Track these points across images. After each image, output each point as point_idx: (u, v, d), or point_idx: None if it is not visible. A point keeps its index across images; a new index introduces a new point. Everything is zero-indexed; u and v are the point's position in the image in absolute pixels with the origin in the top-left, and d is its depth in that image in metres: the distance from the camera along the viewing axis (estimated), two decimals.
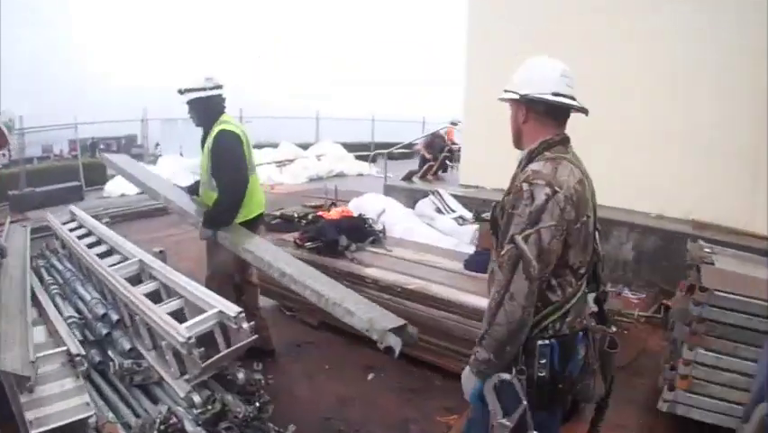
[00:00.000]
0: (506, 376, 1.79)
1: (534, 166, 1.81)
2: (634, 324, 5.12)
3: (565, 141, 1.94)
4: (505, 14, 7.82)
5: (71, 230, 4.53)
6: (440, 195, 7.25)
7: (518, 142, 2.01)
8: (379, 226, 5.11)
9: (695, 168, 6.33)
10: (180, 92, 3.69)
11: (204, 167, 3.82)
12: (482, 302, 2.59)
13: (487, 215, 2.61)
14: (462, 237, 6.43)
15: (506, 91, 1.97)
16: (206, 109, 3.79)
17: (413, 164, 11.39)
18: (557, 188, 1.71)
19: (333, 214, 5.14)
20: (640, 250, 6.25)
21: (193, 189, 4.23)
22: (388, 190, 8.30)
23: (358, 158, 16.64)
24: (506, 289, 1.70)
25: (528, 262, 1.65)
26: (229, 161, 3.64)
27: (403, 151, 14.01)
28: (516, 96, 1.90)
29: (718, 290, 2.97)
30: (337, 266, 4.36)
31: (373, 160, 16.71)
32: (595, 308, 2.05)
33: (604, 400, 2.08)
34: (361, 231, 4.88)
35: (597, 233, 1.96)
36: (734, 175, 6.20)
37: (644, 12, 6.57)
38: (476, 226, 6.50)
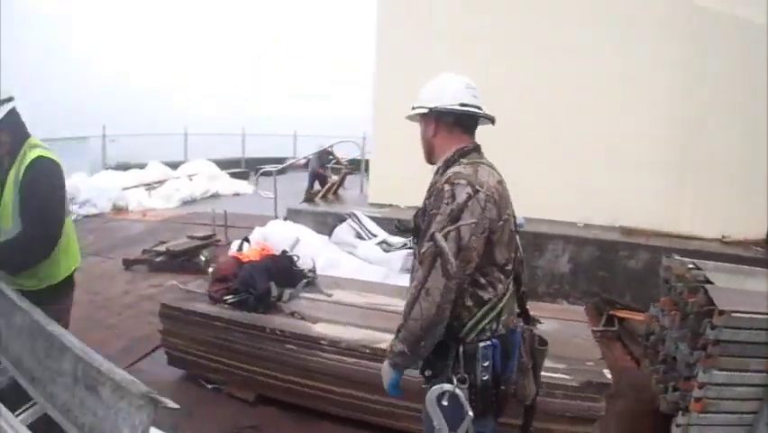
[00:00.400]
0: (448, 387, 1.81)
1: (454, 168, 1.86)
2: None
3: (478, 148, 2.02)
4: (417, 14, 7.29)
5: None
6: (357, 218, 6.31)
7: (430, 157, 2.09)
8: (307, 264, 4.18)
9: (617, 175, 6.50)
10: None
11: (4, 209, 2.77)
12: None
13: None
14: (392, 265, 5.62)
15: (414, 108, 2.05)
16: (12, 133, 2.78)
17: (291, 181, 10.37)
18: (478, 187, 1.78)
19: (252, 253, 4.09)
20: (576, 262, 6.15)
21: None
22: (291, 214, 7.20)
23: (232, 176, 15.43)
24: (422, 285, 1.72)
25: (446, 259, 1.69)
26: (47, 198, 2.70)
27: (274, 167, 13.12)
28: (425, 110, 1.99)
29: (736, 312, 2.96)
30: (275, 325, 3.36)
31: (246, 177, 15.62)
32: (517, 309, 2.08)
33: (533, 400, 2.06)
34: (289, 273, 3.90)
35: (517, 236, 2.02)
36: (653, 180, 6.47)
37: (566, 24, 6.61)
38: (405, 252, 5.78)
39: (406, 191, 7.02)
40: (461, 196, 1.75)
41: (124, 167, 13.83)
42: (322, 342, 3.27)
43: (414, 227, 2.00)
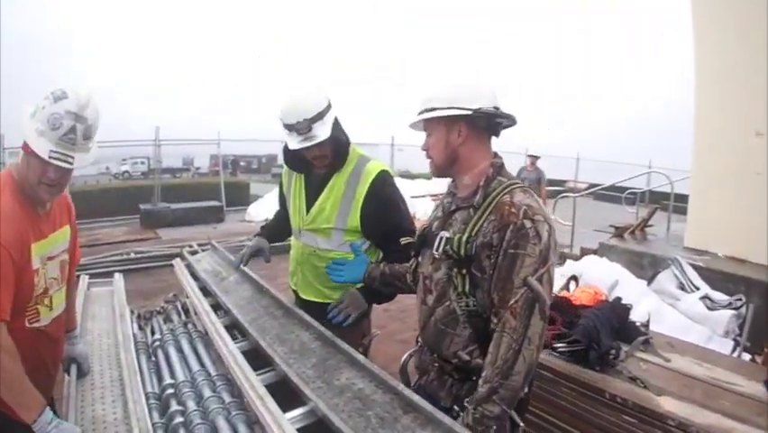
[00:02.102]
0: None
1: (522, 199, 1.73)
2: None
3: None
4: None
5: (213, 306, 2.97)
6: (681, 266, 5.51)
7: (449, 168, 1.92)
8: (641, 316, 3.60)
9: None
10: None
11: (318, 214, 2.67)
12: None
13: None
14: (715, 327, 4.78)
15: (433, 109, 1.83)
16: (335, 145, 2.56)
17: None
18: (550, 223, 1.72)
19: (585, 297, 3.62)
20: None
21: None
22: (604, 250, 6.57)
23: None
24: (523, 335, 1.64)
25: (544, 302, 1.65)
26: (406, 217, 2.71)
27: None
28: (468, 112, 1.78)
29: None
30: (616, 391, 2.82)
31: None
32: None
33: None
34: (625, 326, 3.37)
35: None
36: None
37: None
38: (730, 313, 4.90)
39: (728, 238, 6.12)
40: (544, 234, 1.67)
41: (412, 176, 14.38)
42: (669, 421, 2.65)
43: (465, 256, 1.76)
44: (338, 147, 2.55)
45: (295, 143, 2.41)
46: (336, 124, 2.48)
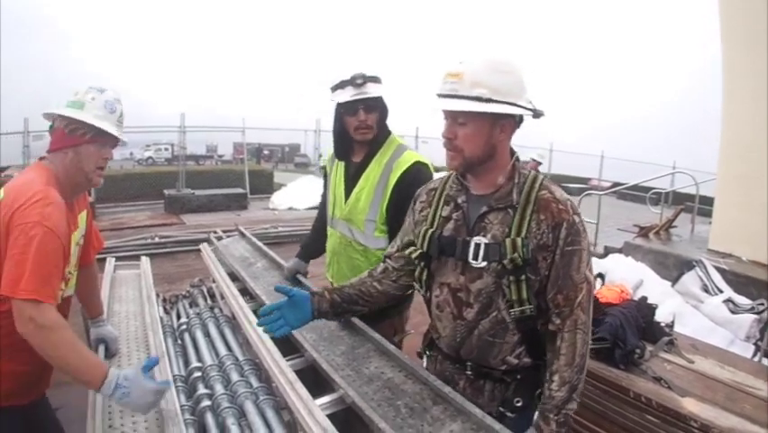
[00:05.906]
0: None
1: (562, 193, 1.67)
2: None
3: None
4: None
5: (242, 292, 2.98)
6: (705, 268, 5.48)
7: (480, 164, 1.69)
8: (665, 317, 3.57)
9: None
10: None
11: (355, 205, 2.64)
12: None
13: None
14: (737, 330, 4.74)
15: (489, 100, 1.53)
16: (380, 118, 2.62)
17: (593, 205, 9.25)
18: None
19: (611, 295, 3.59)
20: None
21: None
22: (629, 249, 6.51)
23: None
24: (588, 328, 1.66)
25: (593, 292, 1.67)
26: None
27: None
28: (528, 113, 1.62)
29: None
30: (641, 390, 2.81)
31: None
32: None
33: None
34: (650, 326, 3.37)
35: None
36: None
37: None
38: (753, 317, 4.85)
39: (752, 242, 6.03)
40: (583, 225, 1.66)
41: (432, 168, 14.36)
42: (692, 422, 2.63)
43: (513, 265, 1.63)
44: (382, 119, 2.59)
45: (347, 96, 2.45)
46: (379, 101, 2.54)
